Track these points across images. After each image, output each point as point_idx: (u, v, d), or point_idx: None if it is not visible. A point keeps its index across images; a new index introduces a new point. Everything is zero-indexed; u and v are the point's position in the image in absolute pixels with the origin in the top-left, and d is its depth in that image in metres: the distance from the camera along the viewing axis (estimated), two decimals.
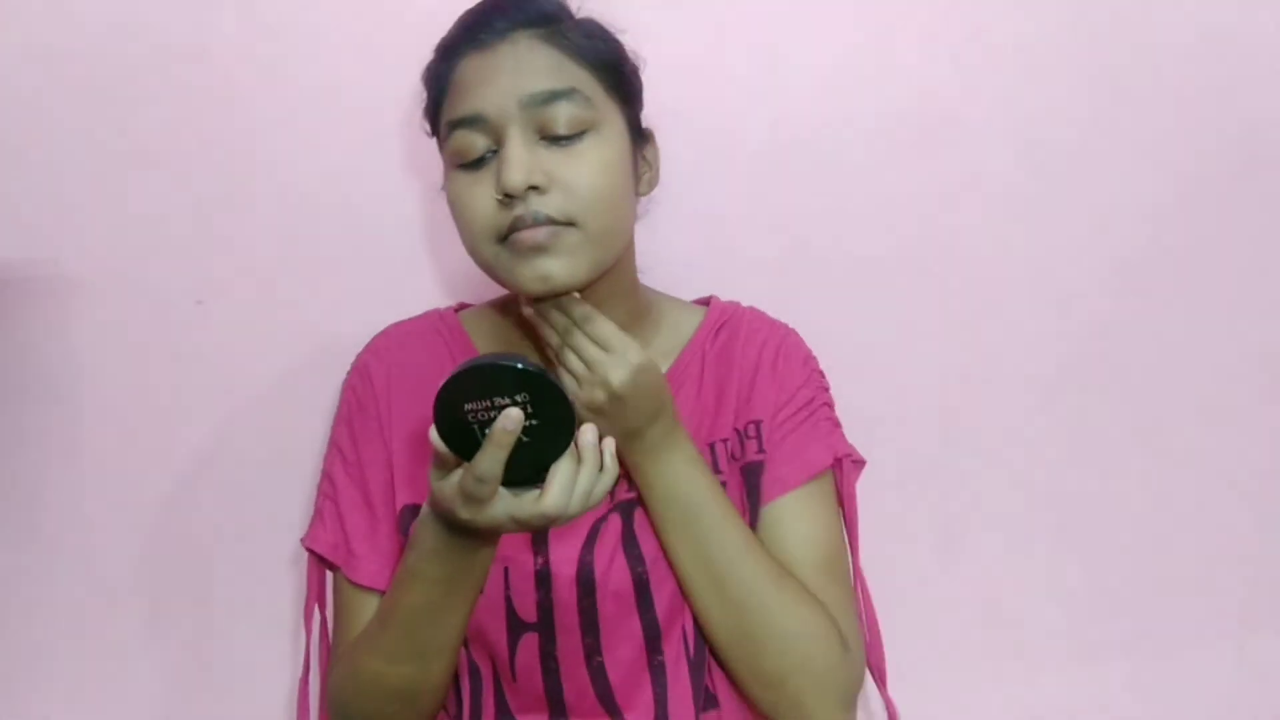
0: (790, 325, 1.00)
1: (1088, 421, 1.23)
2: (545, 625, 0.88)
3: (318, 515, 0.94)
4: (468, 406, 0.69)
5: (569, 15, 0.87)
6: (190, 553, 1.16)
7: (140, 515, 1.16)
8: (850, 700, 0.89)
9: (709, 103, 1.15)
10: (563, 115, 0.81)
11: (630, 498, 0.90)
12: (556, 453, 0.72)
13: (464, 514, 0.73)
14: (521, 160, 0.80)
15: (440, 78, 0.86)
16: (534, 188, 0.81)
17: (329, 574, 0.96)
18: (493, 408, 0.69)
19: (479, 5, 0.87)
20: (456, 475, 0.73)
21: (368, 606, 0.90)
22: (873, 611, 0.97)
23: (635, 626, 0.89)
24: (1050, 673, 1.24)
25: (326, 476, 0.95)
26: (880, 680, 0.97)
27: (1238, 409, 1.24)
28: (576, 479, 0.73)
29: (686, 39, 1.14)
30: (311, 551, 0.94)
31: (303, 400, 1.11)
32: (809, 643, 0.86)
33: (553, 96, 0.81)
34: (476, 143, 0.83)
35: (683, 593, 0.88)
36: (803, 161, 1.17)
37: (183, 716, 1.17)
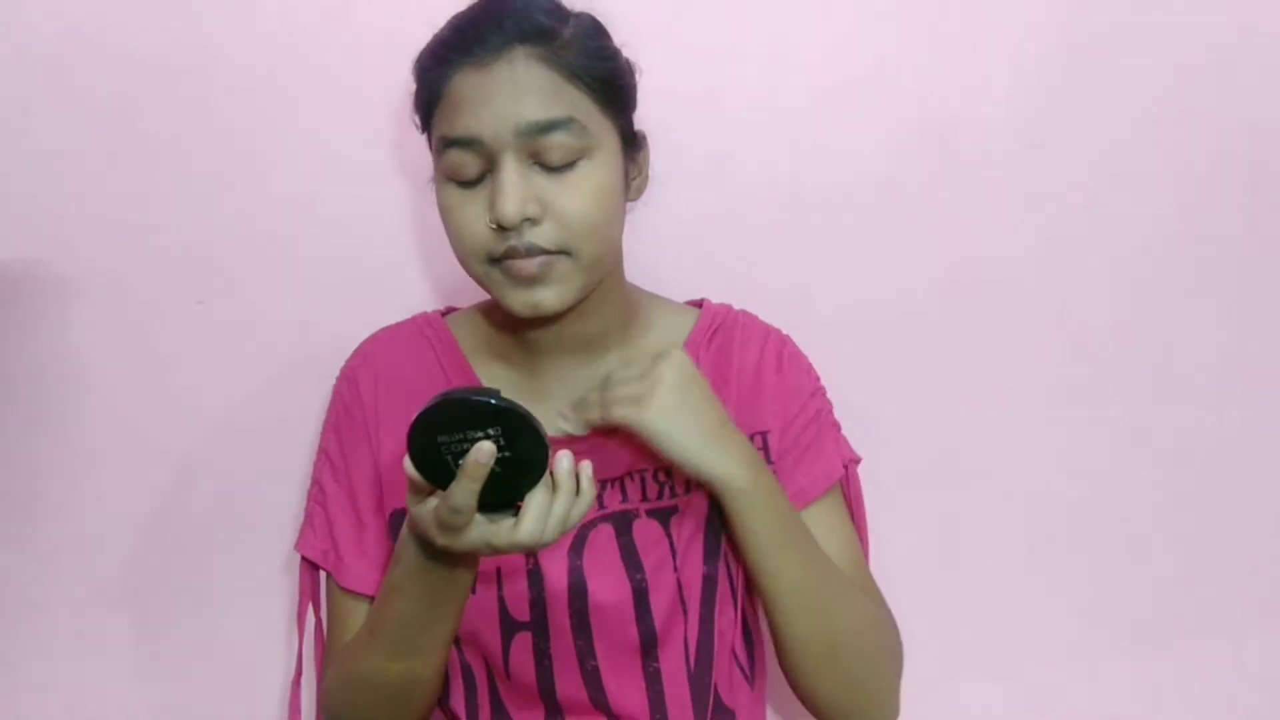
0: (784, 330, 1.00)
1: (1086, 421, 1.23)
2: (539, 624, 0.89)
3: (308, 521, 0.95)
4: (441, 439, 0.71)
5: (567, 25, 0.84)
6: (188, 553, 1.16)
7: (139, 515, 1.16)
8: (900, 684, 0.94)
9: (709, 106, 1.15)
10: (558, 144, 0.81)
11: (625, 510, 0.90)
12: (530, 482, 0.73)
13: (440, 540, 0.74)
14: (516, 191, 0.80)
15: (432, 84, 0.84)
16: (528, 219, 0.81)
17: (322, 577, 0.96)
18: (465, 440, 0.70)
19: (472, 11, 0.85)
20: (433, 502, 0.74)
21: (358, 611, 0.91)
22: None
23: (631, 634, 0.89)
24: (1048, 672, 1.24)
25: (316, 483, 0.95)
26: None
27: (1235, 408, 1.24)
28: (551, 507, 0.73)
29: (687, 43, 1.14)
30: (303, 557, 0.95)
31: (304, 400, 1.11)
32: (888, 640, 0.91)
33: (550, 126, 0.80)
34: (471, 163, 0.82)
35: (771, 615, 0.89)
36: (804, 164, 1.17)
37: (179, 717, 1.18)
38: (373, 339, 0.98)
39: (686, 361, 0.86)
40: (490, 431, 0.70)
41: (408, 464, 0.72)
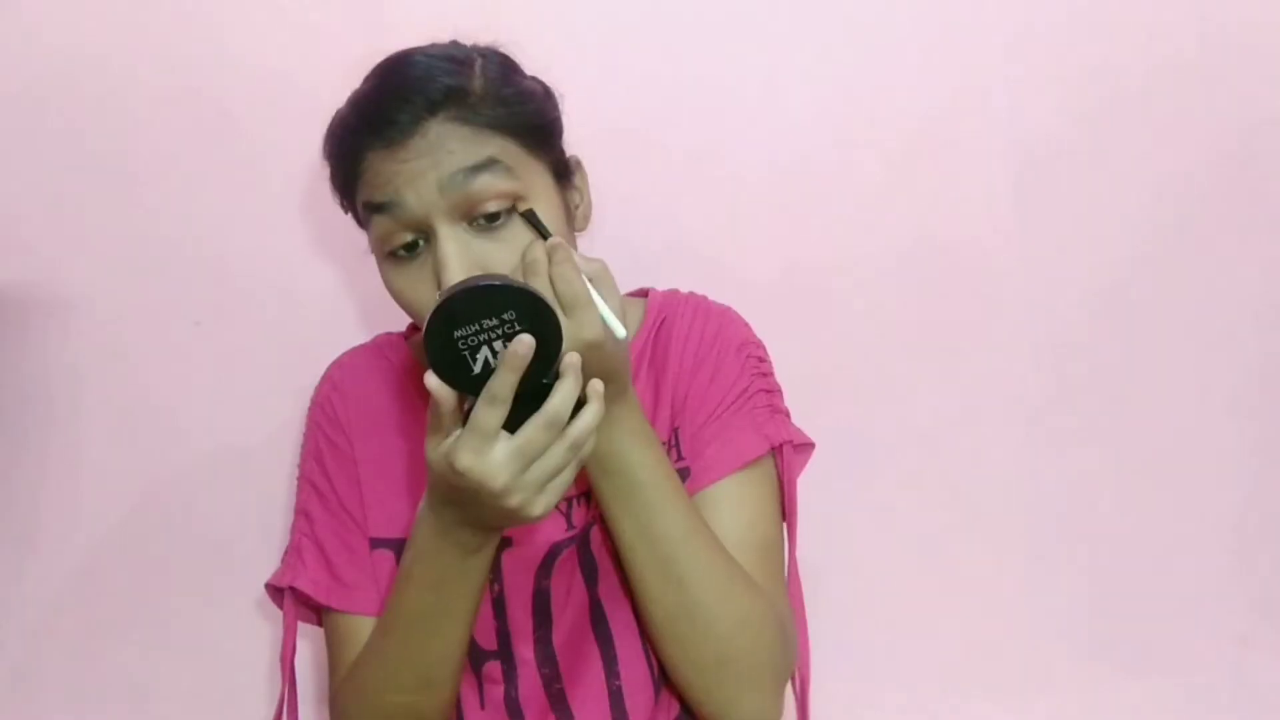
0: (735, 311, 0.96)
1: (1083, 440, 1.23)
2: (505, 652, 0.89)
3: (296, 555, 0.92)
4: (458, 334, 0.69)
5: (474, 73, 0.81)
6: (184, 575, 1.17)
7: (137, 536, 1.16)
8: (782, 687, 0.88)
9: (706, 123, 1.16)
10: (486, 190, 0.78)
11: (591, 517, 0.89)
12: (547, 364, 0.70)
13: (464, 460, 0.70)
14: (459, 263, 0.77)
15: (346, 165, 0.82)
16: None
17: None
18: (482, 330, 0.69)
19: (374, 90, 0.82)
20: (455, 435, 0.72)
21: (366, 629, 0.88)
22: (803, 609, 0.93)
23: (591, 649, 0.89)
24: (1046, 694, 1.24)
25: (302, 514, 0.93)
26: (803, 685, 0.94)
27: (1232, 426, 1.24)
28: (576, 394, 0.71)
29: (685, 61, 1.15)
30: (294, 591, 0.91)
31: (301, 421, 1.11)
32: (753, 630, 0.84)
33: (473, 171, 0.78)
34: (399, 231, 0.80)
35: (624, 570, 0.85)
36: (800, 181, 1.18)
37: None
38: (337, 363, 0.97)
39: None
40: (505, 316, 0.69)
41: (429, 378, 0.70)
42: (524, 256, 0.76)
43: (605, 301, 0.74)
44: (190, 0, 1.13)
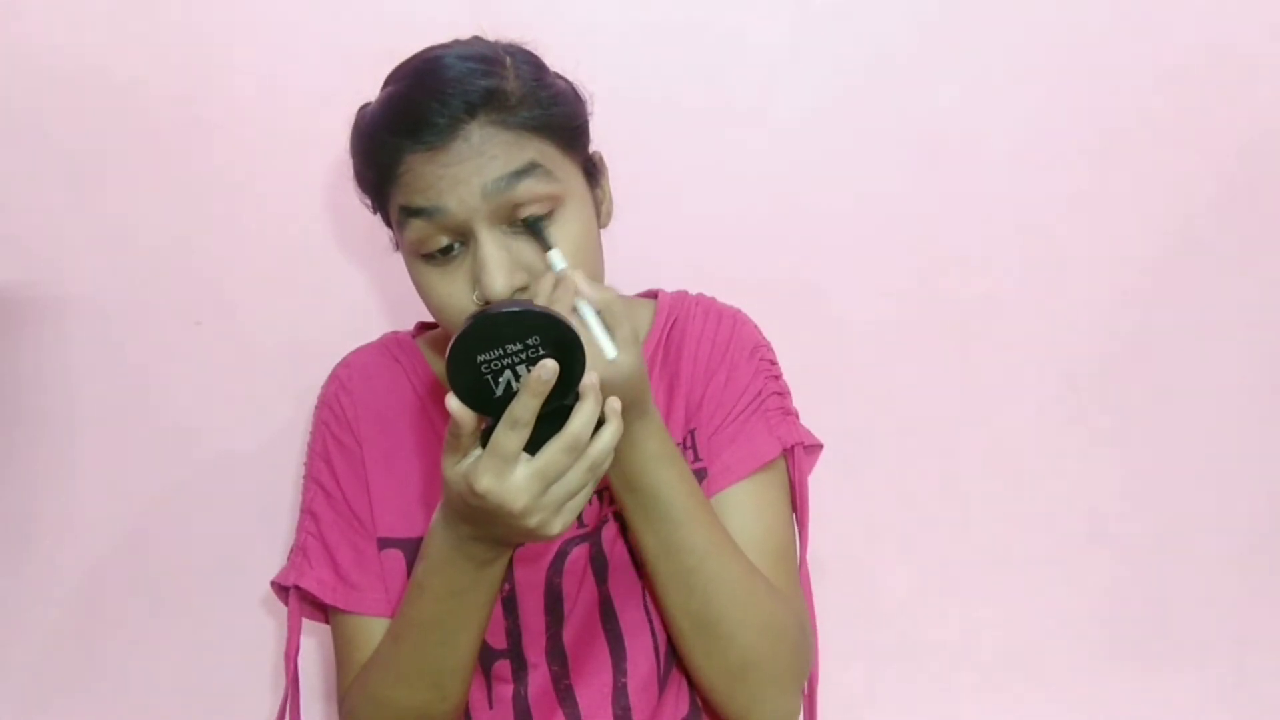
0: (744, 313, 0.97)
1: (1085, 441, 1.23)
2: (515, 651, 0.89)
3: (302, 554, 0.92)
4: (481, 358, 0.69)
5: (507, 72, 0.80)
6: (184, 575, 1.16)
7: (136, 536, 1.16)
8: (801, 686, 0.89)
9: (708, 122, 1.16)
10: (527, 194, 0.78)
11: (604, 515, 0.90)
12: (568, 388, 0.71)
13: (484, 482, 0.70)
14: (501, 265, 0.78)
15: (382, 165, 0.81)
16: (517, 290, 0.79)
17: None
18: (505, 355, 0.69)
19: (409, 90, 0.80)
20: (474, 455, 0.72)
21: (376, 632, 0.88)
22: (812, 609, 0.94)
23: (600, 645, 0.89)
24: (1049, 691, 1.24)
25: (308, 513, 0.93)
26: (811, 684, 0.95)
27: (1232, 426, 1.24)
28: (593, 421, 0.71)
29: (687, 61, 1.15)
30: (299, 590, 0.91)
31: (302, 422, 1.11)
32: (775, 636, 0.85)
33: (515, 177, 0.78)
34: (439, 237, 0.79)
35: (649, 581, 0.86)
36: (800, 182, 1.18)
37: None
38: (345, 363, 0.97)
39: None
40: (529, 341, 0.69)
41: (451, 401, 0.70)
42: (538, 286, 0.76)
43: (613, 331, 0.74)
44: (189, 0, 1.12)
